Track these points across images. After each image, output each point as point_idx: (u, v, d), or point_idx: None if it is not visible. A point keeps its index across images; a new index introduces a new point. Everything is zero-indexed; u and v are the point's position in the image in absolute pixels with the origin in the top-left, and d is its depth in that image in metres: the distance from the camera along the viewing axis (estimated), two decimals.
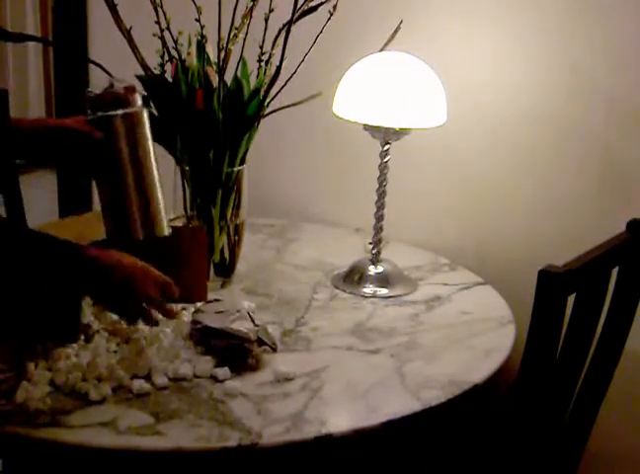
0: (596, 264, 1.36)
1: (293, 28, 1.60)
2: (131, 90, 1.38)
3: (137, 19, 1.61)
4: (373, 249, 1.78)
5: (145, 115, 1.40)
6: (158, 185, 1.42)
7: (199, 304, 1.50)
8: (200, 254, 1.56)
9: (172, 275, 1.54)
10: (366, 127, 1.69)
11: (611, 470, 1.91)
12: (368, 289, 1.74)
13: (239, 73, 1.64)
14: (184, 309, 1.51)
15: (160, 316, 1.35)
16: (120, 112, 1.37)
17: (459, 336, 1.57)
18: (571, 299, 1.31)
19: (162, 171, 1.67)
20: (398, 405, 1.33)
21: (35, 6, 4.79)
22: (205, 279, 1.59)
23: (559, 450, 1.50)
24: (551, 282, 1.24)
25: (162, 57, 1.62)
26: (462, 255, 1.95)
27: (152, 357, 1.37)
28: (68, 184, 2.59)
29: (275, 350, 1.42)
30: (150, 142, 1.41)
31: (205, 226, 1.62)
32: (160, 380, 1.32)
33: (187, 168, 1.65)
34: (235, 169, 1.66)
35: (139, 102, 1.40)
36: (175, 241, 1.54)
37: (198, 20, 1.56)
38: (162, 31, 1.59)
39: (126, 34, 1.61)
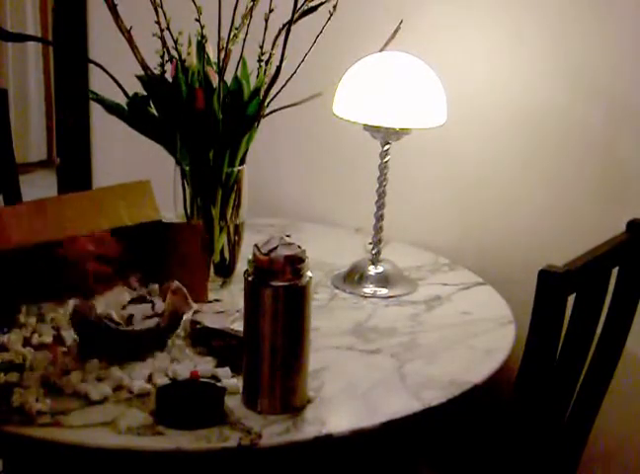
0: (596, 264, 1.36)
1: (293, 28, 1.60)
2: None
3: (137, 19, 1.61)
4: (373, 249, 1.78)
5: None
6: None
7: (198, 306, 1.50)
8: (198, 251, 1.56)
9: (170, 274, 1.54)
10: (366, 127, 1.69)
11: (611, 470, 1.91)
12: (368, 289, 1.74)
13: (239, 73, 1.64)
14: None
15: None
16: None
17: (459, 336, 1.57)
18: (571, 299, 1.31)
19: (162, 171, 1.69)
20: (398, 405, 1.33)
21: (35, 6, 4.80)
22: (206, 279, 1.59)
23: (559, 450, 1.50)
24: (551, 282, 1.24)
25: (162, 57, 1.62)
26: (462, 255, 1.95)
27: (152, 357, 1.37)
28: (68, 184, 2.59)
29: None
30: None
31: (202, 223, 1.62)
32: (160, 380, 1.32)
33: (187, 168, 1.65)
34: (235, 169, 1.66)
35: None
36: (172, 239, 1.54)
37: (198, 20, 1.56)
38: (162, 31, 1.59)
39: (126, 34, 1.61)
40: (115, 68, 1.62)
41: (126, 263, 1.50)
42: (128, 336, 1.35)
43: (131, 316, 1.37)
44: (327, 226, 2.08)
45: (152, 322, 1.37)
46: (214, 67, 1.61)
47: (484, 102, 1.92)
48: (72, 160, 2.54)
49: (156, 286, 1.55)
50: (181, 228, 1.60)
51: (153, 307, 1.40)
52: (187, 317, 1.48)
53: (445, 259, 1.92)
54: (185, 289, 1.42)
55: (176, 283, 1.42)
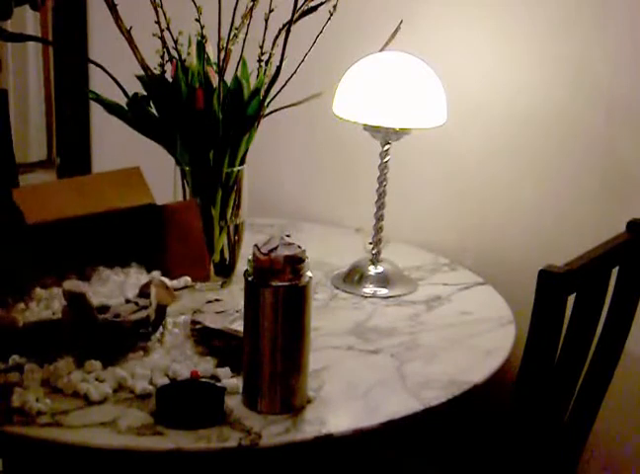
0: (596, 264, 1.36)
1: (293, 28, 1.60)
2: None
3: (137, 19, 1.61)
4: (373, 249, 1.78)
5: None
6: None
7: (198, 306, 1.50)
8: (197, 227, 1.56)
9: (171, 256, 1.55)
10: (366, 127, 1.69)
11: (611, 470, 1.91)
12: (368, 289, 1.74)
13: (239, 73, 1.64)
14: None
15: None
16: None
17: (459, 336, 1.57)
18: (571, 299, 1.31)
19: (162, 171, 1.69)
20: (398, 405, 1.33)
21: None
22: (206, 255, 1.59)
23: (559, 450, 1.50)
24: (551, 282, 1.24)
25: (162, 57, 1.62)
26: (462, 255, 1.95)
27: (152, 358, 1.37)
28: None
29: None
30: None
31: (197, 199, 1.62)
32: (160, 380, 1.32)
33: (187, 168, 1.65)
34: (235, 169, 1.66)
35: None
36: (168, 220, 1.55)
37: (198, 20, 1.56)
38: (162, 31, 1.59)
39: (126, 34, 1.61)
40: (115, 68, 1.62)
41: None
42: (120, 327, 1.35)
43: (117, 315, 1.37)
44: (327, 226, 2.08)
45: (142, 314, 1.38)
46: (214, 67, 1.61)
47: (484, 101, 1.92)
48: (72, 160, 2.54)
49: (158, 273, 1.54)
50: (177, 207, 1.60)
51: (137, 305, 1.40)
52: (187, 317, 1.49)
53: (445, 259, 1.92)
54: (167, 282, 1.42)
55: (157, 279, 1.42)
